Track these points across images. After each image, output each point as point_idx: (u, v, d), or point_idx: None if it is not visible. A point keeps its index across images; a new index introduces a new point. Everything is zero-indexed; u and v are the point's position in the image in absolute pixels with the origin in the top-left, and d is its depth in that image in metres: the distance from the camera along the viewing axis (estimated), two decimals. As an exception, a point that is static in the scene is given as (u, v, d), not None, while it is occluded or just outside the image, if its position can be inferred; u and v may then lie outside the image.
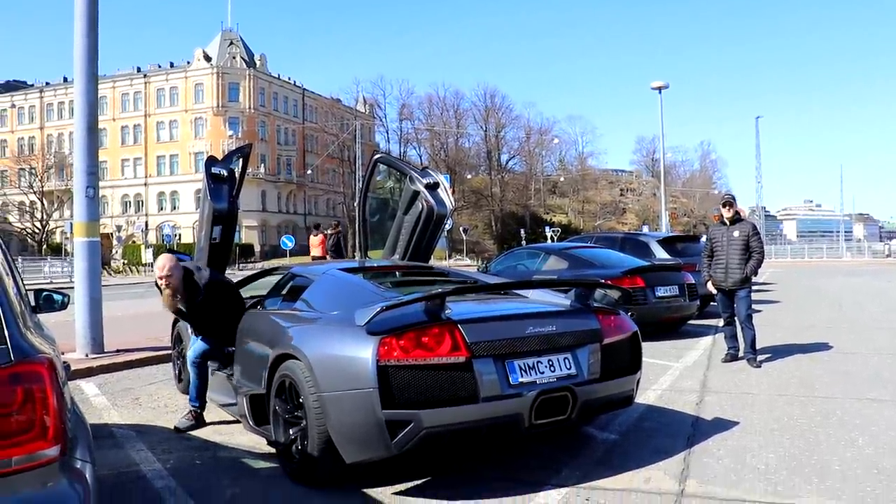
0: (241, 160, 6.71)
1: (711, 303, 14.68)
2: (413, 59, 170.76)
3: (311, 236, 22.68)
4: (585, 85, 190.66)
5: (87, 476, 2.49)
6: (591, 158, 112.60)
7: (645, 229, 56.91)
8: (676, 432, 5.70)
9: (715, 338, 11.20)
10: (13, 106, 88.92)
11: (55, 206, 76.88)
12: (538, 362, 4.46)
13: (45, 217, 77.64)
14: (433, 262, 8.19)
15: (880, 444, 5.26)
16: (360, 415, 4.12)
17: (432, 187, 7.27)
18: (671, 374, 8.14)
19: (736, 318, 8.93)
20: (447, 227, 29.07)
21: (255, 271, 7.86)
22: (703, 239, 20.89)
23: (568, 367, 4.57)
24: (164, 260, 5.78)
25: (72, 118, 10.79)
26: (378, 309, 4.24)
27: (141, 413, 6.76)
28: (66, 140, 79.85)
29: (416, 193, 7.31)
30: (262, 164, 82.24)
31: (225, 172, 6.12)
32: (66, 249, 58.99)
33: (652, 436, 5.63)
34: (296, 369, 4.57)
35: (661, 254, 13.85)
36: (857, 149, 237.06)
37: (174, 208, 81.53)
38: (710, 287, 8.95)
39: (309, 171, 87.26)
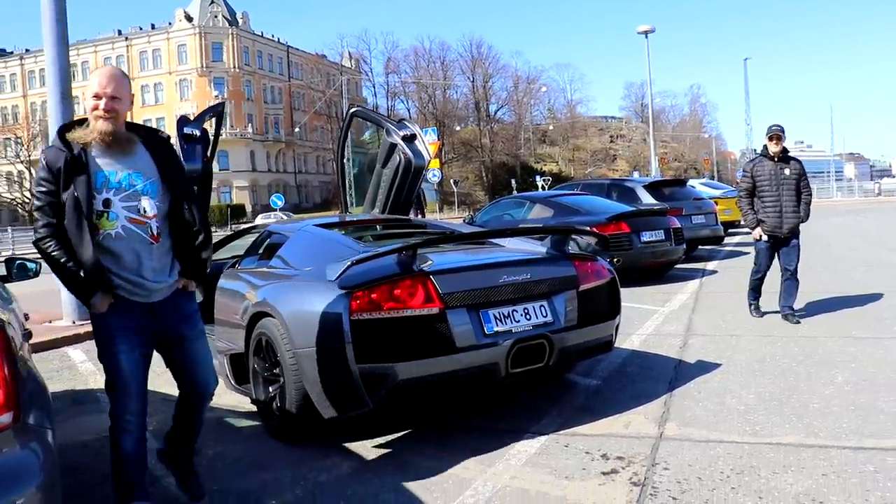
0: (213, 119, 6.61)
1: (700, 246, 14.78)
2: (397, 12, 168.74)
3: None
4: (572, 32, 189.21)
5: (46, 442, 2.46)
6: (580, 106, 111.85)
7: (635, 175, 56.73)
8: (658, 376, 5.71)
9: (702, 281, 11.23)
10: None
11: (42, 174, 76.03)
12: (513, 311, 4.44)
13: (32, 186, 76.84)
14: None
15: (859, 380, 5.29)
16: (334, 370, 4.11)
17: (409, 139, 7.18)
18: (656, 319, 8.15)
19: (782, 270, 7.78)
20: (437, 179, 29.24)
21: (230, 232, 7.79)
22: (695, 179, 20.85)
23: (544, 314, 4.55)
24: (112, 70, 3.43)
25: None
26: (349, 263, 4.20)
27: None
28: (50, 107, 78.77)
29: (394, 146, 7.22)
30: (250, 124, 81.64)
31: (197, 132, 6.01)
32: (55, 217, 58.53)
33: (634, 380, 5.65)
34: (271, 327, 4.55)
35: (647, 199, 13.77)
36: (847, 88, 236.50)
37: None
38: (760, 234, 7.71)
39: (297, 129, 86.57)
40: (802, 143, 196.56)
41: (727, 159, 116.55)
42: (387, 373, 4.05)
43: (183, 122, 6.06)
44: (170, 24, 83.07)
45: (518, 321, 4.43)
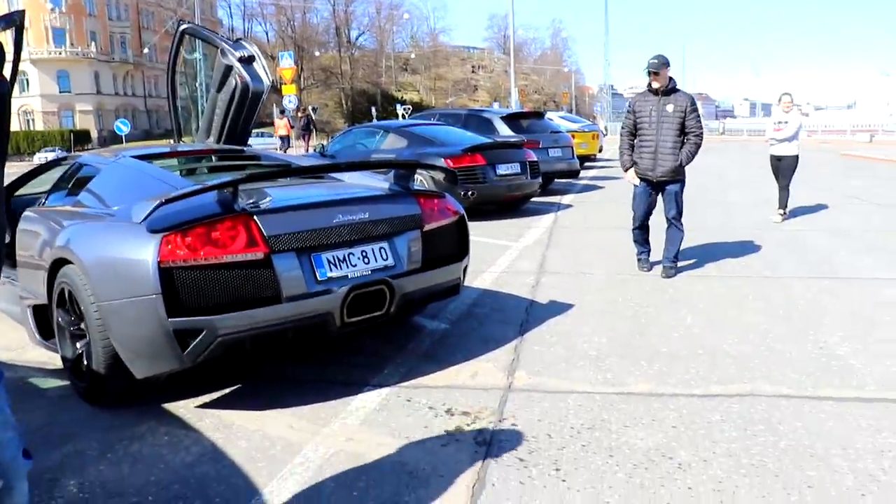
0: (11, 31, 5.70)
1: (556, 180, 14.74)
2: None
3: (276, 119, 31.04)
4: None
5: None
6: (443, 35, 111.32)
7: (495, 106, 56.80)
8: (509, 318, 5.45)
9: (557, 216, 11.14)
10: None
11: None
12: (350, 254, 4.00)
13: None
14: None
15: (706, 321, 5.25)
16: (144, 325, 3.57)
17: (247, 61, 6.49)
18: (509, 255, 7.92)
19: (666, 217, 6.86)
20: (293, 106, 27.85)
21: (38, 163, 6.83)
22: (554, 112, 20.84)
23: (384, 257, 4.14)
24: None
25: None
26: (157, 202, 3.64)
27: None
28: None
29: (230, 68, 6.53)
30: (94, 42, 75.86)
31: None
32: None
33: (483, 323, 5.36)
34: (73, 275, 3.92)
35: (504, 131, 13.49)
36: (698, 30, 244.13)
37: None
38: (631, 176, 6.87)
39: (146, 50, 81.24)
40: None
41: (585, 94, 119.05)
42: (203, 327, 3.55)
43: None
44: (-2, -74, 75.66)
45: (355, 265, 4.00)
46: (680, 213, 6.77)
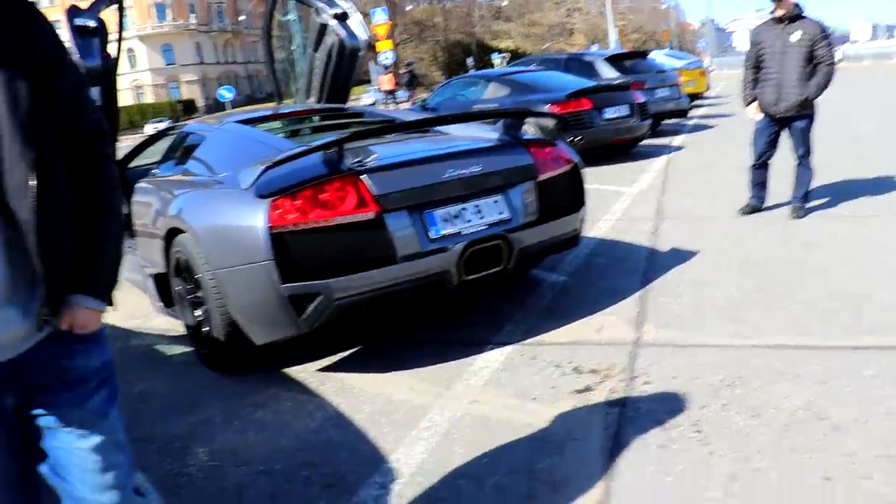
0: (114, 5, 5.73)
1: (663, 121, 14.16)
2: None
3: (381, 76, 33.89)
4: None
5: None
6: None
7: (594, 48, 55.27)
8: (631, 268, 5.20)
9: (669, 158, 10.67)
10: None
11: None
12: (463, 209, 3.85)
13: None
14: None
15: (845, 265, 4.84)
16: (258, 292, 3.53)
17: (342, 17, 6.38)
18: (624, 201, 7.61)
19: (793, 155, 6.42)
20: (390, 61, 27.84)
21: (148, 134, 6.83)
22: (658, 50, 20.00)
23: (499, 211, 3.97)
24: None
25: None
26: (264, 167, 3.56)
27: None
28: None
29: (325, 26, 6.43)
30: (193, 14, 77.86)
31: (93, 24, 5.16)
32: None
33: (604, 274, 5.14)
34: (186, 244, 3.93)
35: (608, 73, 13.02)
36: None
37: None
38: (753, 111, 6.36)
39: (242, 17, 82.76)
40: (762, 10, 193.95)
41: (686, 31, 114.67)
42: (319, 292, 3.48)
43: (73, 12, 5.19)
44: None
45: (469, 221, 3.84)
46: (808, 150, 6.26)
